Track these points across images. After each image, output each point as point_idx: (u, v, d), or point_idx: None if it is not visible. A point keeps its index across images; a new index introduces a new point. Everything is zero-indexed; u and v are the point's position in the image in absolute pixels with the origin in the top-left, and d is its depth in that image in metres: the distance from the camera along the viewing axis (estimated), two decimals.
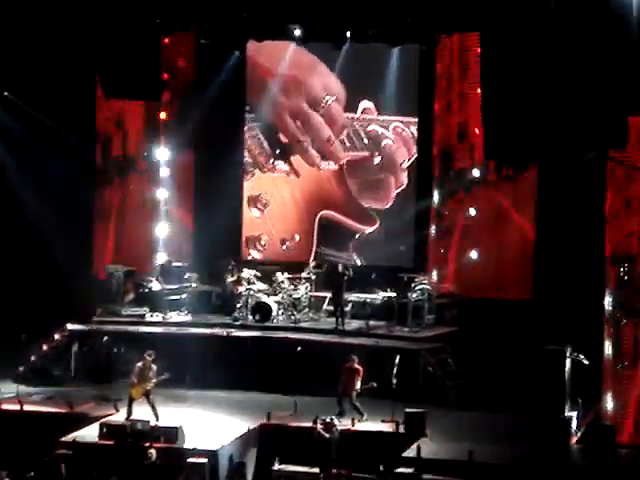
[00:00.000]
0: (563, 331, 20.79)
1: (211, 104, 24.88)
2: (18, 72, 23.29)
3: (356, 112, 25.27)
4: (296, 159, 25.76)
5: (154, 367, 19.47)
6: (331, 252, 25.40)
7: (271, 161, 25.90)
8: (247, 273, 24.02)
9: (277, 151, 25.83)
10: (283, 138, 25.81)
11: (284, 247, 25.85)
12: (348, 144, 25.44)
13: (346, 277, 23.24)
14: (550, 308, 21.72)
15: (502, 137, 20.13)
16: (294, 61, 25.31)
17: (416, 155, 25.02)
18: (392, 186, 25.26)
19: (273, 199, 25.91)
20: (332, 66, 25.15)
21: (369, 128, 25.31)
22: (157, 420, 19.05)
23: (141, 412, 19.23)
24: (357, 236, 25.38)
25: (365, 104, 25.18)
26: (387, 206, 25.26)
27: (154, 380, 19.37)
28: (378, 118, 25.20)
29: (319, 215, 25.61)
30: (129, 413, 19.30)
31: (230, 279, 24.01)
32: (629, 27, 18.90)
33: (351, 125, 25.35)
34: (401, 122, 25.11)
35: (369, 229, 25.38)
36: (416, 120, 24.90)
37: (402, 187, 25.21)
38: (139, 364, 19.51)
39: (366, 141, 25.35)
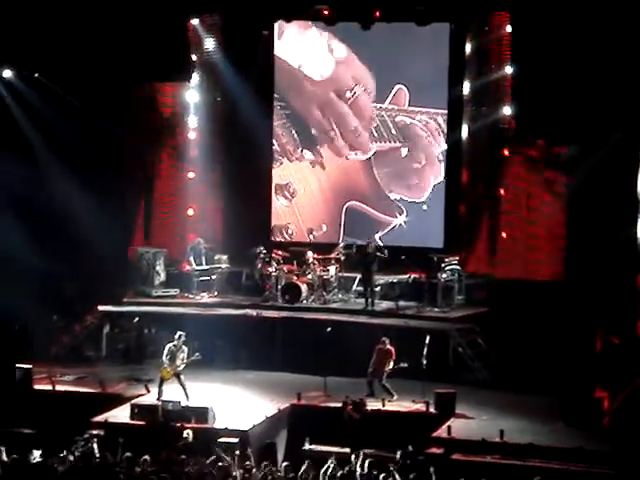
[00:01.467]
0: (595, 312, 20.69)
1: (240, 89, 24.84)
2: (49, 54, 23.34)
3: (384, 102, 25.01)
4: (324, 149, 25.63)
5: (185, 348, 19.56)
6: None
7: (299, 150, 25.81)
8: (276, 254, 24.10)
9: (305, 140, 25.76)
10: (311, 127, 25.70)
11: (311, 237, 25.71)
12: (376, 134, 25.28)
13: (376, 258, 23.19)
14: (582, 289, 21.56)
15: (533, 117, 19.98)
16: (324, 50, 25.24)
17: (445, 147, 24.76)
18: (427, 178, 24.97)
19: (301, 188, 25.84)
20: (361, 50, 24.93)
21: (397, 119, 25.09)
22: (188, 400, 19.15)
23: (172, 393, 19.34)
24: (386, 230, 25.10)
25: (398, 87, 24.85)
26: (422, 198, 24.97)
27: (185, 361, 19.47)
28: (406, 109, 25.01)
29: (346, 205, 25.52)
30: (160, 394, 19.41)
31: (261, 265, 23.97)
32: None
33: (379, 115, 25.18)
34: (429, 113, 24.84)
35: (395, 221, 25.23)
36: (445, 112, 24.57)
37: (440, 179, 24.92)
38: (170, 345, 19.62)
39: (394, 132, 25.18)
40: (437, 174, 24.92)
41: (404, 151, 25.15)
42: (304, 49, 25.38)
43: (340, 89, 25.33)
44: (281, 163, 25.92)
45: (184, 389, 19.43)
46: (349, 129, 25.34)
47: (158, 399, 19.22)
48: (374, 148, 25.30)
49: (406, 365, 19.85)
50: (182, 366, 19.48)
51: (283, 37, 25.44)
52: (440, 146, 24.88)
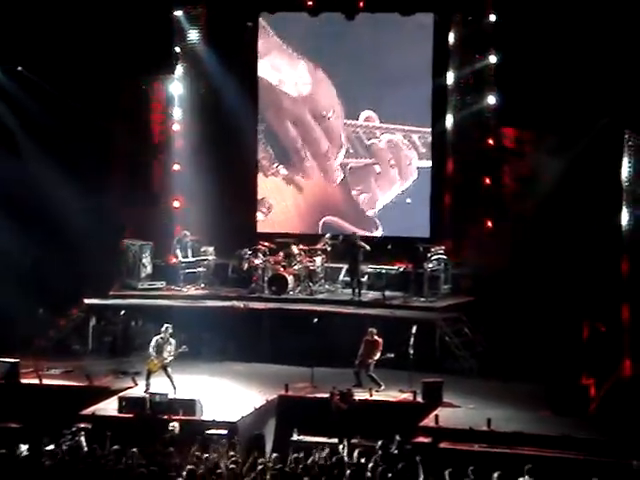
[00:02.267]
0: (581, 300, 20.77)
1: (224, 81, 24.80)
2: (32, 48, 23.25)
3: (359, 119, 25.08)
4: (298, 165, 25.63)
5: (172, 340, 19.56)
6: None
7: (274, 165, 25.80)
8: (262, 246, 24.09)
9: (280, 156, 25.70)
10: (284, 144, 25.69)
11: None
12: (351, 151, 25.31)
13: (362, 249, 23.21)
14: (568, 277, 21.61)
15: (516, 104, 20.00)
16: (301, 72, 25.32)
17: (419, 163, 24.87)
18: (393, 191, 25.15)
19: (276, 203, 25.82)
20: (339, 58, 24.90)
21: (371, 135, 25.13)
22: (175, 393, 19.15)
23: (159, 385, 19.33)
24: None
25: (367, 113, 25.02)
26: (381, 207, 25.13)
27: (172, 353, 19.46)
28: (381, 125, 25.06)
29: (322, 220, 25.50)
30: (147, 386, 19.40)
31: (247, 266, 23.93)
32: None
33: (354, 132, 25.20)
34: (404, 130, 24.92)
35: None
36: (421, 129, 24.65)
37: (404, 189, 25.06)
38: (157, 337, 19.61)
39: (368, 148, 25.22)
40: (411, 188, 24.98)
41: (378, 168, 25.20)
42: (283, 67, 25.40)
43: (316, 109, 25.34)
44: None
45: (171, 381, 19.43)
46: (320, 152, 25.36)
47: (145, 392, 19.21)
48: (349, 164, 25.32)
49: (392, 356, 19.89)
50: (169, 358, 19.48)
51: (263, 56, 25.47)
52: (411, 162, 24.93)
